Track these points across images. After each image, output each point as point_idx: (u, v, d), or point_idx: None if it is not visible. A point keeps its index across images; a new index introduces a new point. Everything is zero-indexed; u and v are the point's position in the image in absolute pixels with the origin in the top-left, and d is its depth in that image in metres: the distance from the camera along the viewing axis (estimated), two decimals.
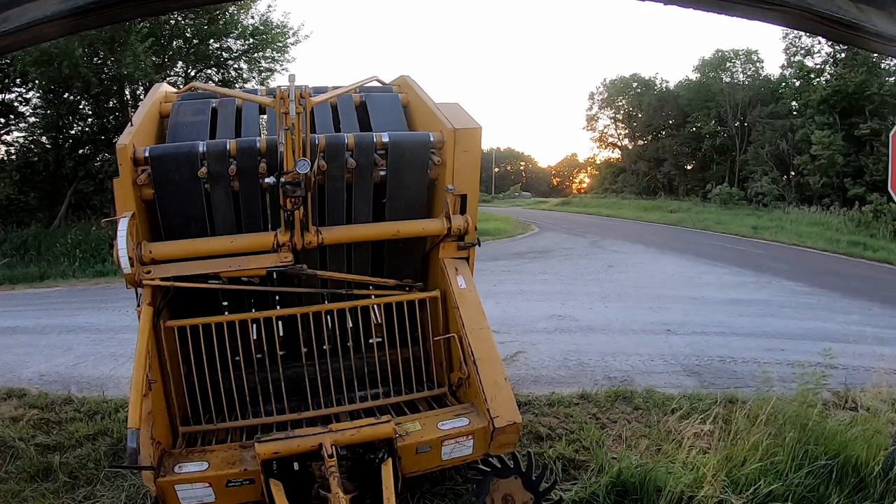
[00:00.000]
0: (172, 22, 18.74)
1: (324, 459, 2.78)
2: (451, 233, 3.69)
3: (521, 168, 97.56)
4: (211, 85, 17.33)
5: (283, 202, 3.23)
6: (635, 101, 51.73)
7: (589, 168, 74.43)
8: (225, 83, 19.64)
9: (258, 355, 3.92)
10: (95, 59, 17.48)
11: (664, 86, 49.41)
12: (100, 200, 19.37)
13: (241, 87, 17.72)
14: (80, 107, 19.41)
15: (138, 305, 3.29)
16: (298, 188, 3.13)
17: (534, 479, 3.12)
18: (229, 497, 2.91)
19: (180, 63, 20.56)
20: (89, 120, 19.93)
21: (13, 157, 20.12)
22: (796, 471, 3.61)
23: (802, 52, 33.84)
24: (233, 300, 3.96)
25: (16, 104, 19.83)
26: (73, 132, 19.91)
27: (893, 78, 29.28)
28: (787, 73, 36.55)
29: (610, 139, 57.28)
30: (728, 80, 41.33)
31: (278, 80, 21.62)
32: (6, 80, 18.86)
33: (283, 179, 3.10)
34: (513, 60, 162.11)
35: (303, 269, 3.51)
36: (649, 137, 49.70)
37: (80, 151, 19.89)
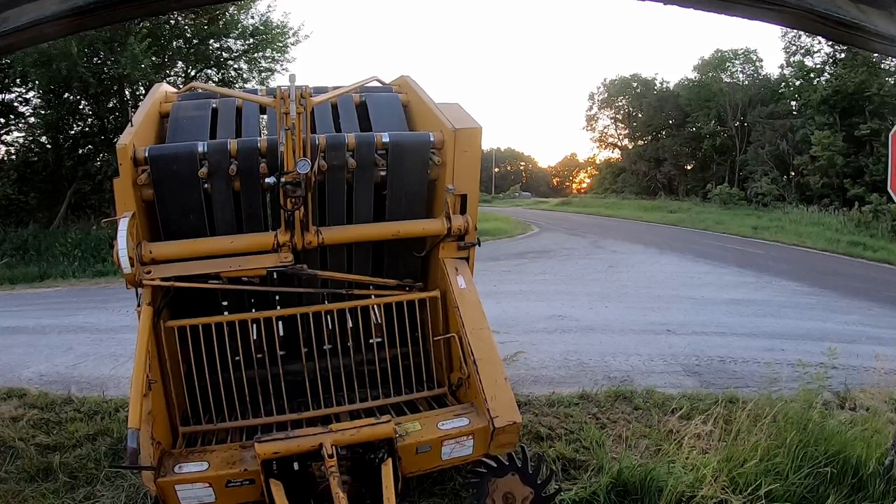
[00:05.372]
0: (172, 22, 18.73)
1: (324, 459, 2.78)
2: (451, 233, 3.68)
3: (521, 168, 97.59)
4: (211, 85, 17.31)
5: (283, 202, 3.23)
6: (635, 102, 51.73)
7: (589, 168, 74.53)
8: (225, 83, 19.61)
9: (258, 355, 3.92)
10: (95, 59, 17.48)
11: (664, 86, 49.47)
12: (97, 200, 19.36)
13: (241, 87, 17.72)
14: (80, 107, 19.37)
15: (138, 305, 3.29)
16: (299, 188, 3.13)
17: (531, 473, 3.12)
18: (229, 497, 2.91)
19: (180, 63, 20.54)
20: (89, 120, 19.89)
21: (13, 157, 20.14)
22: (796, 471, 3.61)
23: (802, 51, 33.87)
24: (233, 300, 3.95)
25: (16, 104, 19.83)
26: (72, 132, 19.88)
27: (893, 78, 29.28)
28: (786, 72, 36.60)
29: (610, 139, 57.36)
30: (728, 79, 41.33)
31: (278, 80, 21.62)
32: (6, 81, 18.84)
33: (283, 179, 3.10)
34: (513, 60, 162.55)
35: (303, 270, 3.51)
36: (649, 137, 49.69)
37: (80, 151, 19.87)
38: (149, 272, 3.26)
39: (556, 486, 3.45)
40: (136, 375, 2.86)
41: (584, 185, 75.30)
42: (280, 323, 3.95)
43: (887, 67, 28.75)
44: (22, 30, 2.35)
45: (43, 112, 19.03)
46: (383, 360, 3.96)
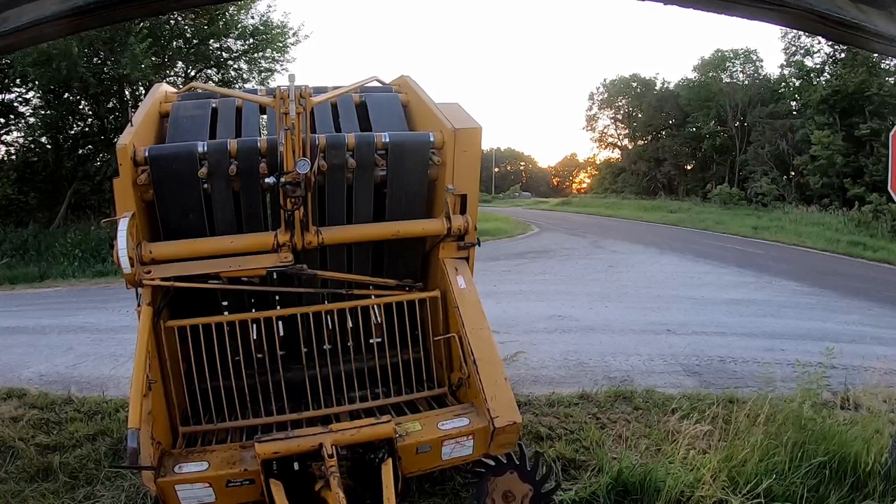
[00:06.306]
0: (172, 22, 18.72)
1: (324, 459, 2.78)
2: (451, 233, 3.68)
3: (521, 168, 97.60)
4: (211, 85, 17.33)
5: (283, 202, 3.23)
6: (635, 101, 51.76)
7: (589, 168, 74.57)
8: (225, 83, 19.61)
9: (258, 355, 3.92)
10: (95, 59, 17.49)
11: (664, 86, 49.49)
12: (97, 200, 19.37)
13: (241, 88, 17.72)
14: (80, 107, 19.39)
15: (138, 305, 3.29)
16: (298, 188, 3.13)
17: (529, 470, 3.13)
18: (229, 497, 2.91)
19: (180, 63, 20.54)
20: (89, 120, 19.91)
21: (13, 157, 20.14)
22: (795, 470, 3.61)
23: (802, 51, 33.91)
24: (233, 300, 3.95)
25: (16, 104, 19.83)
26: (72, 132, 19.89)
27: (893, 78, 29.30)
28: (786, 72, 36.64)
29: (610, 139, 57.39)
30: (728, 79, 41.35)
31: (278, 80, 21.63)
32: (6, 81, 18.84)
33: (283, 179, 3.10)
34: (513, 60, 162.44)
35: (303, 270, 3.51)
36: (649, 137, 49.72)
37: (80, 152, 19.89)
38: (149, 272, 3.26)
39: (555, 482, 3.45)
40: (136, 375, 2.86)
41: (584, 185, 75.44)
42: (280, 323, 3.95)
43: (887, 67, 28.81)
44: (22, 30, 2.35)
45: (43, 112, 19.05)
46: (383, 360, 3.96)
